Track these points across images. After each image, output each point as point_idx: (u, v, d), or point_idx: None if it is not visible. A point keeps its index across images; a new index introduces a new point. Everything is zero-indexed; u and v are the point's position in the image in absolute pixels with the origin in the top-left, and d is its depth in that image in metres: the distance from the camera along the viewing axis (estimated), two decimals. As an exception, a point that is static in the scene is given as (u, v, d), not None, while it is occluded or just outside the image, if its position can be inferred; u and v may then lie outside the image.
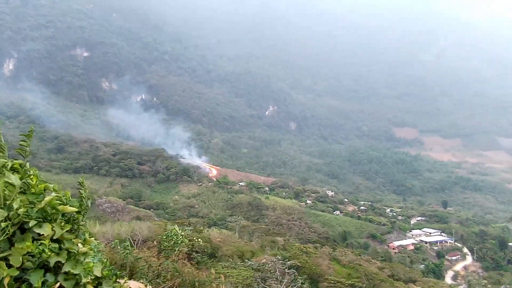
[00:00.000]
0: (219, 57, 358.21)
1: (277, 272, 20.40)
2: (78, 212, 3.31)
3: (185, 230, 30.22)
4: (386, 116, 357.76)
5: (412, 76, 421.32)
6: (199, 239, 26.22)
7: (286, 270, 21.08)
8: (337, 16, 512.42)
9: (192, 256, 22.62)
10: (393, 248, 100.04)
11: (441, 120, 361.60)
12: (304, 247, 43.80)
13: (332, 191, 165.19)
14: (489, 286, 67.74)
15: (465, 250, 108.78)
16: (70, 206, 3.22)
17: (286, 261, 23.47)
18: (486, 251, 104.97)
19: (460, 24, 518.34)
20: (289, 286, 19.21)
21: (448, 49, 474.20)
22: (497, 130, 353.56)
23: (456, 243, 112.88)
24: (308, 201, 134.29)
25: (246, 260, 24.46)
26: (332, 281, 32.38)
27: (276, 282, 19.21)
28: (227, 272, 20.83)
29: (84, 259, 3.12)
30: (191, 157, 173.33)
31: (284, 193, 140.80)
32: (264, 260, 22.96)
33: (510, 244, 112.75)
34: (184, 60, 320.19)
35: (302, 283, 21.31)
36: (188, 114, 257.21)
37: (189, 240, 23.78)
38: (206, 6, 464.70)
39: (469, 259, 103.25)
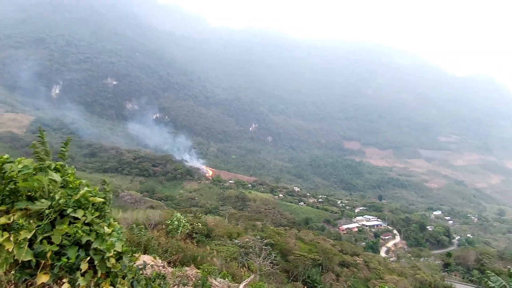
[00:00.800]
0: (215, 87, 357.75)
1: (256, 248, 20.20)
2: (104, 202, 3.38)
3: (187, 216, 29.81)
4: (338, 133, 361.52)
5: (358, 104, 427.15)
6: (198, 223, 25.85)
7: (263, 247, 20.89)
8: (303, 60, 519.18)
9: (193, 236, 22.30)
10: (342, 230, 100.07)
11: (378, 136, 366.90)
12: (277, 229, 43.54)
13: (298, 188, 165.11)
14: (412, 258, 68.21)
15: (395, 231, 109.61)
16: (98, 197, 3.34)
17: (263, 240, 23.30)
18: (410, 232, 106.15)
19: (393, 66, 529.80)
20: (265, 258, 19.01)
21: (384, 85, 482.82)
22: (419, 144, 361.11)
23: (388, 226, 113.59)
24: (280, 195, 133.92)
25: (234, 239, 24.19)
26: (298, 255, 32.18)
27: (255, 255, 19.01)
28: (219, 248, 20.54)
29: (109, 239, 3.20)
30: (193, 161, 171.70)
31: (262, 189, 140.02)
32: (247, 239, 22.74)
33: (427, 227, 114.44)
34: (189, 89, 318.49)
35: (275, 256, 21.16)
36: (191, 129, 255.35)
37: (190, 224, 23.48)
38: (206, 49, 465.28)
39: (397, 238, 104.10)
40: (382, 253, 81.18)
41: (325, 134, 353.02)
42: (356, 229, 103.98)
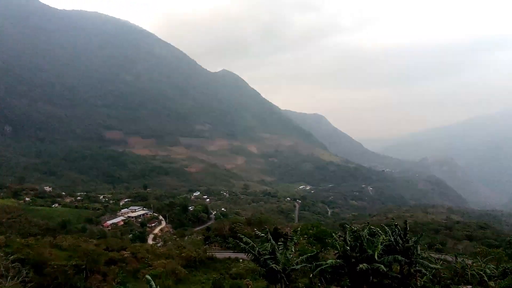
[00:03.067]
0: None
1: (1, 268, 16.49)
2: None
3: None
4: (97, 121, 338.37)
5: (118, 90, 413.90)
6: None
7: (11, 265, 17.31)
8: (50, 32, 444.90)
9: None
10: (107, 227, 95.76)
11: (140, 124, 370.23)
12: (26, 241, 36.71)
13: (50, 187, 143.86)
14: (178, 239, 73.86)
15: (161, 217, 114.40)
16: None
17: (9, 257, 19.25)
18: (174, 215, 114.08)
19: (152, 55, 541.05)
20: (14, 278, 15.88)
21: (144, 73, 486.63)
22: (178, 132, 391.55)
23: (154, 213, 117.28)
24: (27, 199, 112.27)
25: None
26: (56, 266, 28.50)
27: (1, 277, 15.54)
28: None
29: None
30: None
31: (2, 194, 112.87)
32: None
33: (189, 208, 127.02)
34: None
35: (27, 273, 17.97)
36: None
37: None
38: None
39: (163, 223, 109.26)
40: (150, 241, 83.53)
41: (81, 122, 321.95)
42: (122, 223, 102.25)
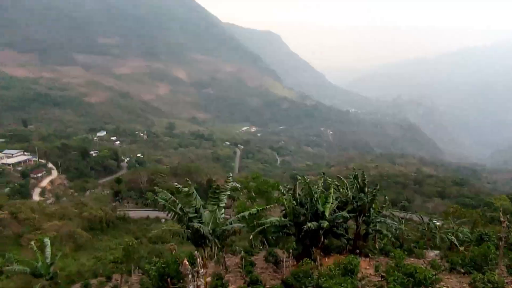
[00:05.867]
0: None
1: None
2: None
3: None
4: None
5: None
6: None
7: None
8: None
9: None
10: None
11: (14, 33, 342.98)
12: None
13: None
14: (76, 194, 73.62)
15: (50, 165, 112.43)
16: None
17: None
18: (69, 163, 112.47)
19: None
20: None
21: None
22: (73, 46, 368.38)
23: (40, 160, 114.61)
24: None
25: None
26: None
27: None
28: None
29: None
30: None
31: None
32: None
33: (91, 152, 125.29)
34: None
35: None
36: None
37: None
38: None
39: (54, 174, 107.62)
40: (36, 197, 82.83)
41: None
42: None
